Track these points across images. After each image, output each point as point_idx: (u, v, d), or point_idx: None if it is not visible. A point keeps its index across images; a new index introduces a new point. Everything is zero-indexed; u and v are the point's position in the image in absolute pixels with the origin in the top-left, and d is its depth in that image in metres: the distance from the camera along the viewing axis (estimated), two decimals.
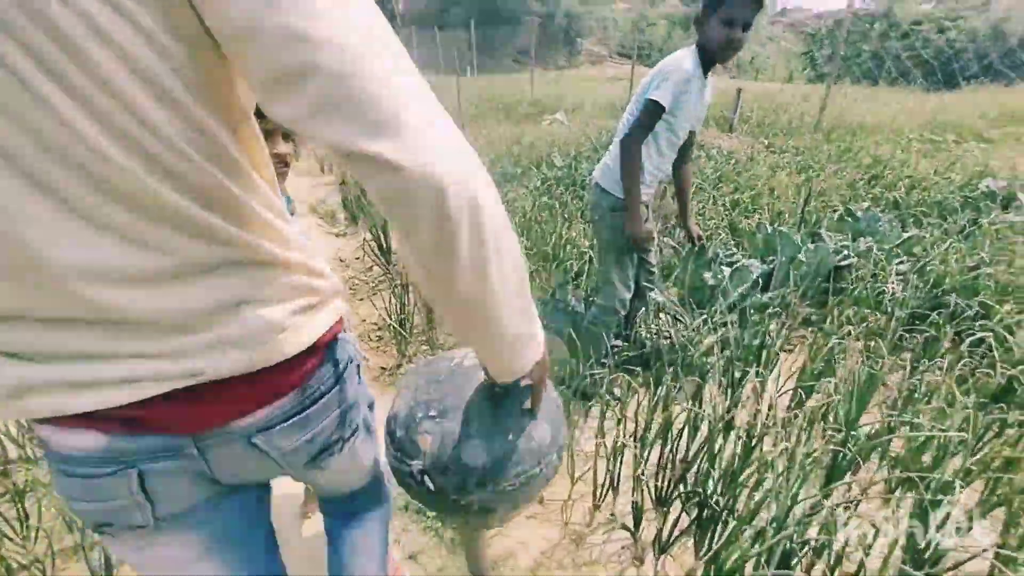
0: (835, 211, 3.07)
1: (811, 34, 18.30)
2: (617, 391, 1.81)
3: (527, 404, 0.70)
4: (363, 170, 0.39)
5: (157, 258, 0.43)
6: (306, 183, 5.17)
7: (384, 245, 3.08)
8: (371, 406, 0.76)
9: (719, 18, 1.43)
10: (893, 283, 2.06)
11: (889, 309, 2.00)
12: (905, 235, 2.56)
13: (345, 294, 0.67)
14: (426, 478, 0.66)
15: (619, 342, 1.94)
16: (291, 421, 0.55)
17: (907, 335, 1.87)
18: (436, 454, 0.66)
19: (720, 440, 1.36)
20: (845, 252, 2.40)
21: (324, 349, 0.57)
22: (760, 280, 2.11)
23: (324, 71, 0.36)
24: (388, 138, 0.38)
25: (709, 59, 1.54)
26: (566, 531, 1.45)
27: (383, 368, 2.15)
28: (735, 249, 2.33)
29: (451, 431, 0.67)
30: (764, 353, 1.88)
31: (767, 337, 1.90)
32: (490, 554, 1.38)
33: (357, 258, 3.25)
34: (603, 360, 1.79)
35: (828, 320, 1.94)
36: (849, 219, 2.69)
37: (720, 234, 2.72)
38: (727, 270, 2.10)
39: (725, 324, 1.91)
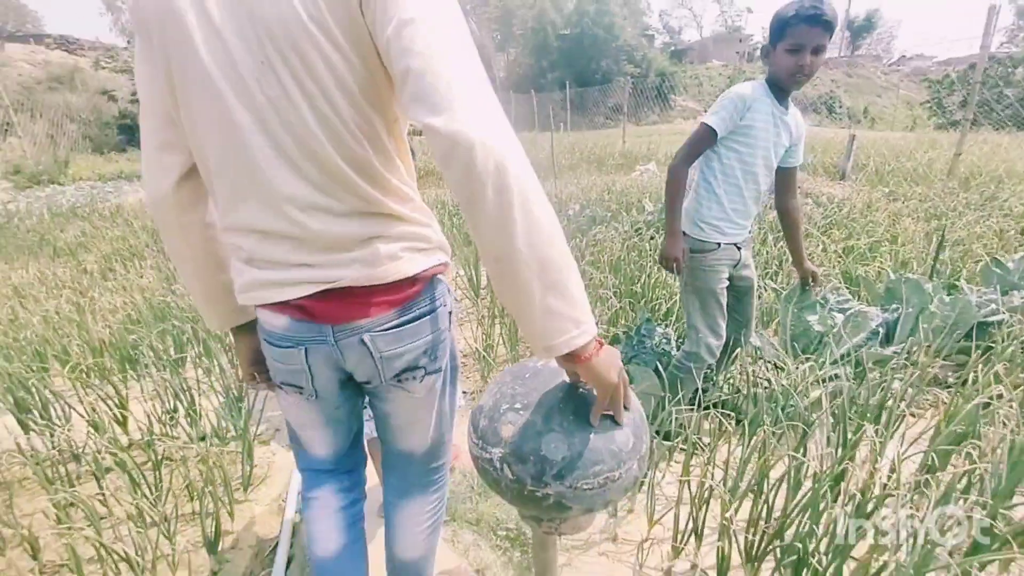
0: (977, 261, 2.68)
1: (936, 81, 16.63)
2: (706, 438, 1.68)
3: (593, 410, 0.68)
4: (428, 139, 0.54)
5: (330, 201, 0.65)
6: None
7: (475, 280, 3.23)
8: (455, 368, 0.87)
9: (784, 48, 1.41)
10: None
11: None
12: None
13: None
14: (505, 466, 0.66)
15: (707, 384, 1.80)
16: (391, 331, 0.73)
17: None
18: (516, 443, 0.66)
19: (827, 499, 1.19)
20: (993, 306, 2.06)
21: (425, 283, 0.74)
22: (880, 330, 1.87)
23: (414, 72, 0.54)
24: (440, 114, 0.53)
25: (781, 89, 1.50)
26: (641, 574, 1.33)
27: (464, 392, 2.20)
28: (849, 295, 2.10)
29: (533, 423, 0.67)
30: (885, 412, 1.64)
31: (888, 394, 1.66)
32: None
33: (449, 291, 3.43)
34: (690, 404, 1.67)
35: (969, 380, 1.65)
36: (997, 270, 2.32)
37: (832, 280, 2.48)
38: (839, 316, 1.89)
39: (837, 375, 1.71)
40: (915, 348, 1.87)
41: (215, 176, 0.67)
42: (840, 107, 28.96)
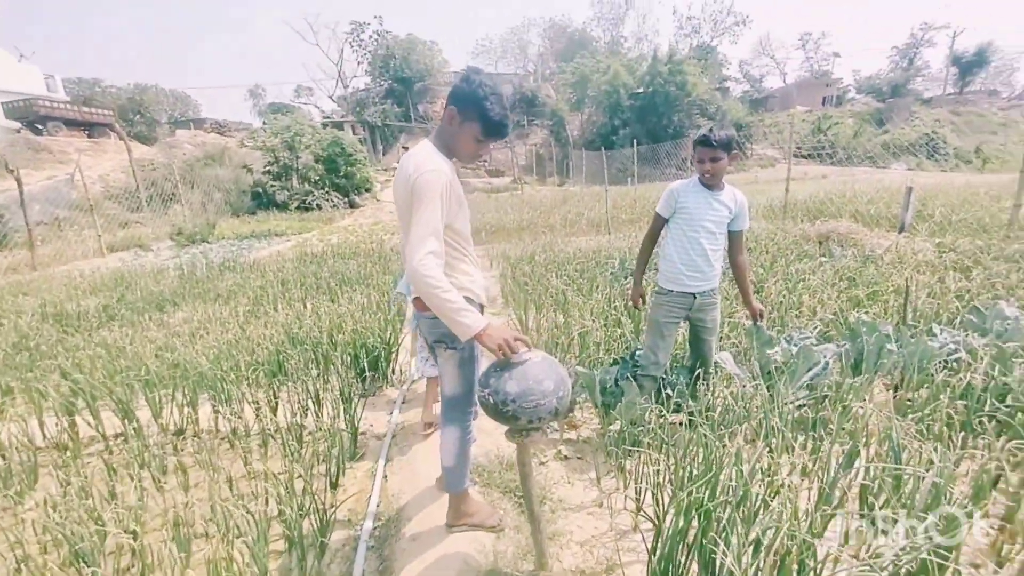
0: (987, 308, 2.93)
1: None
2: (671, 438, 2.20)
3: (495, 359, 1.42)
4: None
5: None
6: (479, 275, 6.56)
7: (523, 320, 3.96)
8: (472, 357, 1.65)
9: (695, 159, 2.14)
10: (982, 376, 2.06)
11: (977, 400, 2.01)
12: None
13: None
14: (490, 397, 1.37)
15: (680, 400, 2.33)
16: (429, 320, 1.60)
17: (985, 423, 1.89)
18: (495, 386, 1.37)
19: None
20: (952, 346, 2.41)
21: None
22: (829, 363, 2.30)
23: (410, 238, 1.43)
24: (407, 257, 1.42)
25: (704, 184, 2.16)
26: (612, 525, 1.90)
27: None
28: (811, 334, 2.53)
29: (503, 378, 1.37)
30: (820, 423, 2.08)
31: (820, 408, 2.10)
32: (551, 528, 1.91)
33: None
34: (648, 401, 2.25)
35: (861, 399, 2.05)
36: (972, 317, 2.61)
37: (817, 324, 2.89)
38: (795, 349, 2.36)
39: (795, 398, 2.18)
40: (857, 378, 2.27)
41: None
42: (944, 145, 26.83)
